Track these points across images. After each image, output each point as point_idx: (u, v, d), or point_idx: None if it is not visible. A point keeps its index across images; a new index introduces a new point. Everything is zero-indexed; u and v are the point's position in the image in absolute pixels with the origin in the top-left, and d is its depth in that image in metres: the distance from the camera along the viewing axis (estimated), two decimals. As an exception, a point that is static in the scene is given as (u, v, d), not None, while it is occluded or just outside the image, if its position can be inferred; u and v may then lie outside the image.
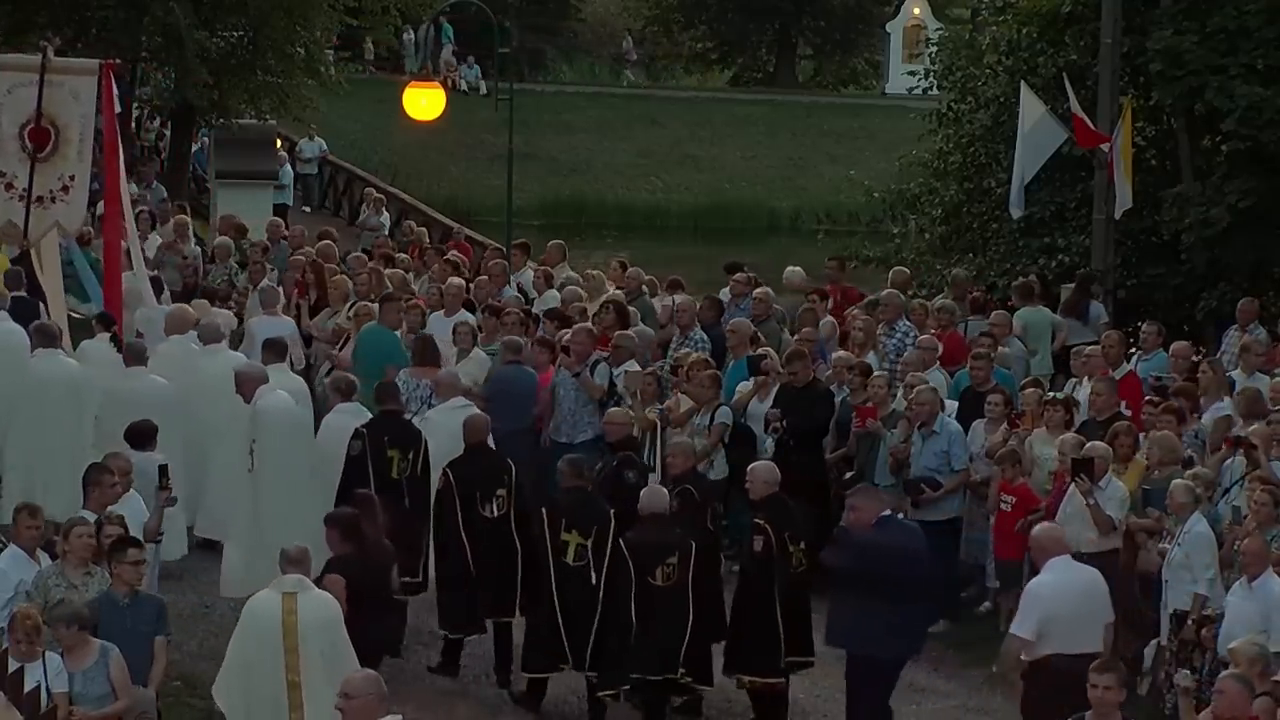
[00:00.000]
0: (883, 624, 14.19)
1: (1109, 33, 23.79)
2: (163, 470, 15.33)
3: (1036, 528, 14.49)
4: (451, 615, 16.19)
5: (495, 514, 15.99)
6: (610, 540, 15.21)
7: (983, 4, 33.54)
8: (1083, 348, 19.99)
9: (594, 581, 15.21)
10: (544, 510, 15.53)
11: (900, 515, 15.89)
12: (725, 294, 22.72)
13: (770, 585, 14.93)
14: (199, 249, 27.57)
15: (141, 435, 16.38)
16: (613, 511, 15.42)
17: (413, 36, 58.02)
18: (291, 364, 19.89)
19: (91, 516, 14.44)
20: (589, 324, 20.39)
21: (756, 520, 15.12)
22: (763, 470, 15.54)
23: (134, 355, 18.54)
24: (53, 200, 20.82)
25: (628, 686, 15.09)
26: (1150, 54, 24.17)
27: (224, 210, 32.62)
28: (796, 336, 20.49)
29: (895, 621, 14.25)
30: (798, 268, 23.65)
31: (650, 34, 74.28)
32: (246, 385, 17.10)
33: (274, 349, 18.76)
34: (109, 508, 14.62)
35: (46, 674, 12.34)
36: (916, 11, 69.50)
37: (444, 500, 16.07)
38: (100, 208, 23.96)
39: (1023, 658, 13.63)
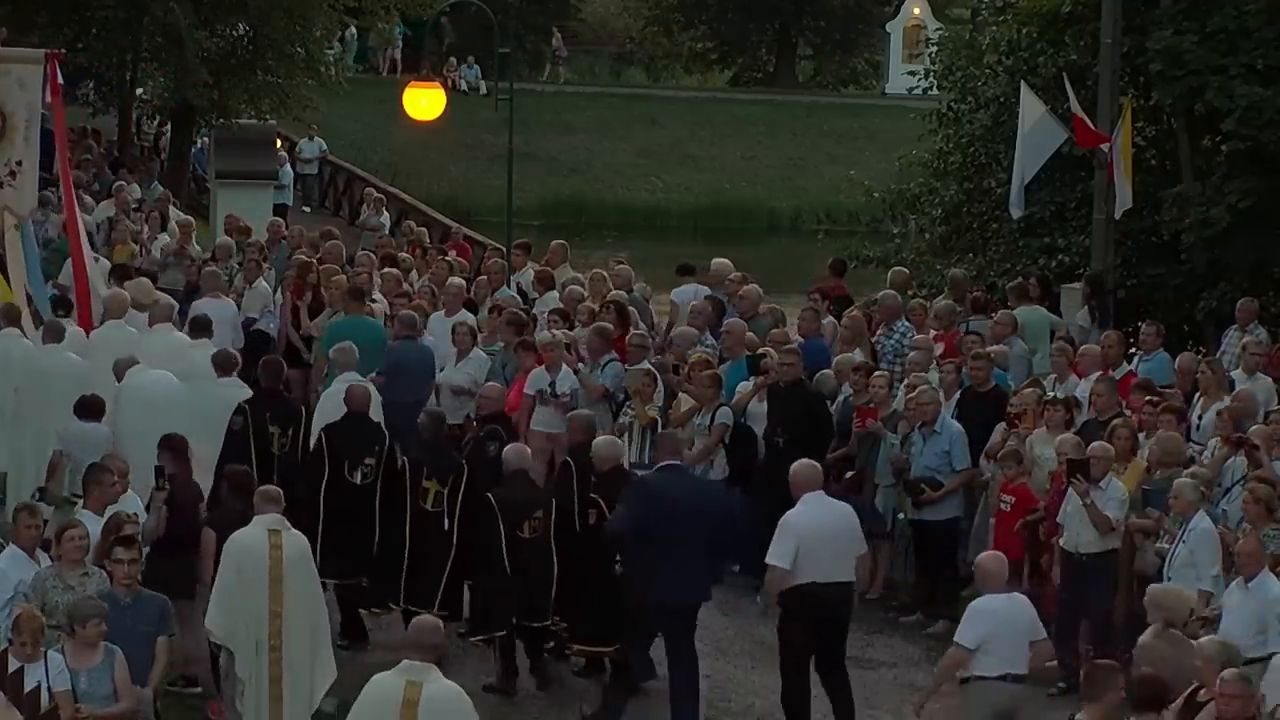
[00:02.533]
0: (669, 570, 14.61)
1: (1109, 33, 23.76)
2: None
3: (793, 465, 15.24)
4: None
5: (361, 481, 16.65)
6: (463, 490, 16.23)
7: (983, 4, 33.47)
8: (1065, 345, 20.06)
9: (447, 527, 16.22)
10: (405, 460, 16.56)
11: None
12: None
13: (603, 558, 15.36)
14: (199, 248, 27.62)
15: (89, 408, 17.09)
16: (465, 462, 16.50)
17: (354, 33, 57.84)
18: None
19: (93, 516, 14.46)
20: (604, 324, 20.40)
21: (592, 495, 15.69)
22: (603, 445, 16.07)
23: (51, 333, 19.14)
24: (0, 185, 21.03)
25: (503, 633, 15.86)
26: (1150, 54, 24.12)
27: (224, 210, 32.64)
28: (769, 337, 20.43)
29: (681, 567, 14.67)
30: (725, 260, 23.71)
31: (650, 34, 74.29)
32: (118, 369, 18.16)
33: (198, 326, 19.90)
34: (109, 507, 14.64)
35: (48, 673, 12.34)
36: (916, 11, 69.50)
37: (315, 462, 16.76)
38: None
39: (781, 586, 14.56)
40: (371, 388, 18.08)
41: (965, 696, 13.56)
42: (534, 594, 15.75)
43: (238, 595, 13.82)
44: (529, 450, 16.35)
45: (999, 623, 13.39)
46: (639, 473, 16.13)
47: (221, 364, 18.38)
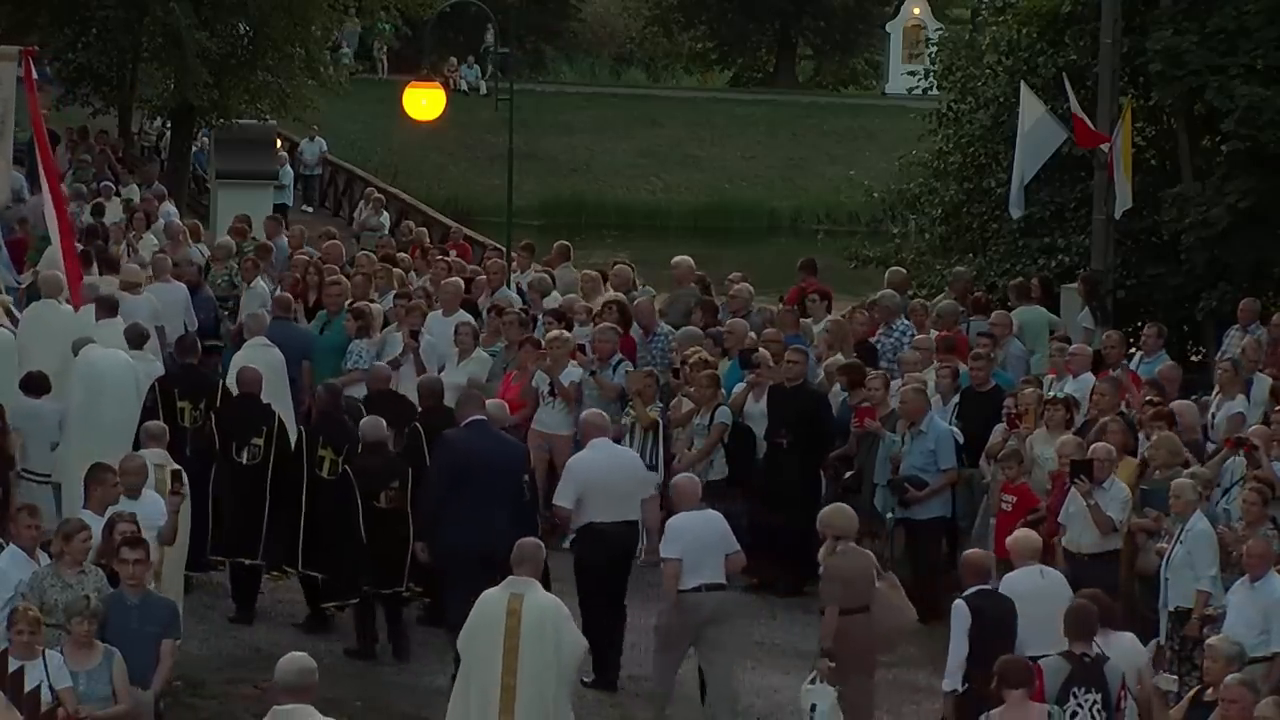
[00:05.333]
0: (468, 518, 15.20)
1: (1109, 33, 23.78)
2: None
3: (585, 414, 16.66)
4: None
5: (248, 461, 17.08)
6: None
7: (983, 4, 33.46)
8: (1063, 345, 20.06)
9: None
10: (302, 429, 17.27)
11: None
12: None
13: None
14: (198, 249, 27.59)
15: (35, 385, 17.56)
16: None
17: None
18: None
19: (93, 516, 14.44)
20: (612, 325, 20.40)
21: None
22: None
23: None
24: None
25: (356, 600, 16.39)
26: (1150, 54, 24.13)
27: (224, 210, 32.66)
28: (764, 335, 20.43)
29: (478, 516, 15.20)
30: (686, 257, 23.83)
31: (650, 34, 74.29)
32: (75, 347, 18.55)
33: (104, 305, 19.86)
34: (110, 507, 14.63)
35: (48, 672, 12.33)
36: (916, 11, 69.50)
37: (208, 443, 17.21)
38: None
39: (572, 527, 15.95)
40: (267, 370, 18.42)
41: (674, 608, 14.73)
42: (389, 562, 16.20)
43: None
44: (383, 422, 16.72)
45: (694, 537, 14.65)
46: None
47: (132, 340, 18.70)
